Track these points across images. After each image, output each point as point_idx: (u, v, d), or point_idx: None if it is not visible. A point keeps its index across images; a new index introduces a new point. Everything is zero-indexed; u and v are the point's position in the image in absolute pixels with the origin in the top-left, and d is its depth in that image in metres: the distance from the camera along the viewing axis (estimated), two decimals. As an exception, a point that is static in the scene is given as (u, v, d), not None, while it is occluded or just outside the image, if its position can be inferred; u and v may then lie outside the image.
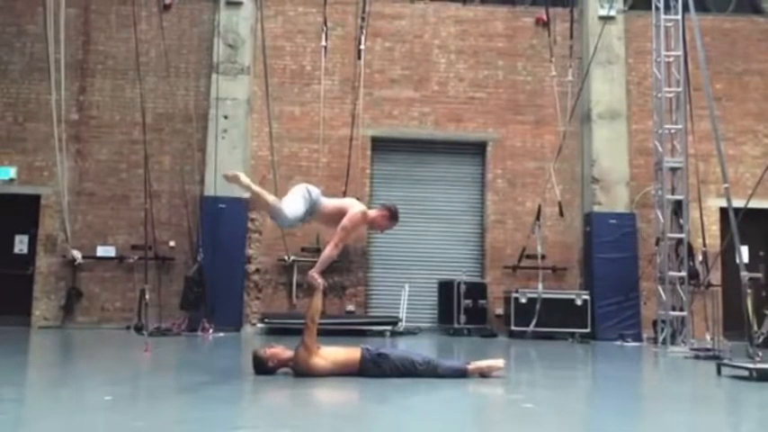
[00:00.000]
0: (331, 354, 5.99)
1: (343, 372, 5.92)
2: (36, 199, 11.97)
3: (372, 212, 6.35)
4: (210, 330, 10.74)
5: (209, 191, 11.75)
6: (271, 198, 6.01)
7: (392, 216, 6.31)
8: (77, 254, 11.63)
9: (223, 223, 11.58)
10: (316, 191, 6.11)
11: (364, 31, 12.45)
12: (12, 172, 11.97)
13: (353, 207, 6.19)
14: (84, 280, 11.89)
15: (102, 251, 11.92)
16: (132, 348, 8.42)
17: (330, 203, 6.26)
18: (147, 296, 10.38)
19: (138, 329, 10.46)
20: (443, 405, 5.16)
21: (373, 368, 5.92)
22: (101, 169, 12.22)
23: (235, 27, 12.35)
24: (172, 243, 11.91)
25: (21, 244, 12.06)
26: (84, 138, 12.26)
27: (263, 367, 6.01)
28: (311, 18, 12.73)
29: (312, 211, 6.05)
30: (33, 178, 12.05)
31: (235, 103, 12.16)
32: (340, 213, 6.12)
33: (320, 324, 5.98)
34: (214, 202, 11.66)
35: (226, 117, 12.05)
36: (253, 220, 12.16)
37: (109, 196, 12.16)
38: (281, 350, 6.03)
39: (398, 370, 5.95)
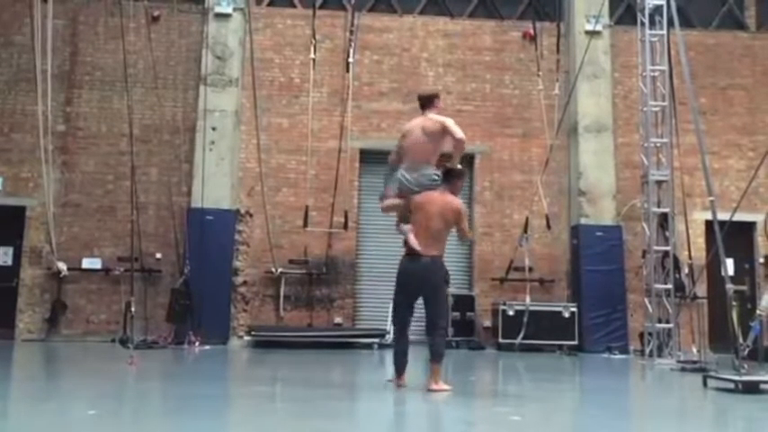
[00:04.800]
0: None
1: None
2: (21, 210, 11.86)
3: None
4: (197, 343, 10.67)
5: (197, 203, 11.71)
6: None
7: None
8: (63, 266, 11.50)
9: (210, 235, 11.53)
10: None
11: (353, 44, 12.53)
12: (-3, 183, 11.90)
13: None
14: (69, 292, 11.77)
15: (87, 263, 11.81)
16: (117, 361, 8.34)
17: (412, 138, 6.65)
18: (132, 308, 10.28)
19: (124, 342, 10.36)
20: (432, 417, 5.14)
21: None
22: (87, 181, 12.14)
23: (223, 39, 12.35)
24: (158, 255, 11.83)
25: (5, 256, 11.93)
26: (71, 149, 12.19)
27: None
28: (300, 31, 12.77)
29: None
30: (19, 189, 11.96)
31: (223, 114, 12.15)
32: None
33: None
34: (201, 214, 11.62)
35: (214, 129, 12.03)
36: (240, 231, 12.13)
37: (95, 208, 12.08)
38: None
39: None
